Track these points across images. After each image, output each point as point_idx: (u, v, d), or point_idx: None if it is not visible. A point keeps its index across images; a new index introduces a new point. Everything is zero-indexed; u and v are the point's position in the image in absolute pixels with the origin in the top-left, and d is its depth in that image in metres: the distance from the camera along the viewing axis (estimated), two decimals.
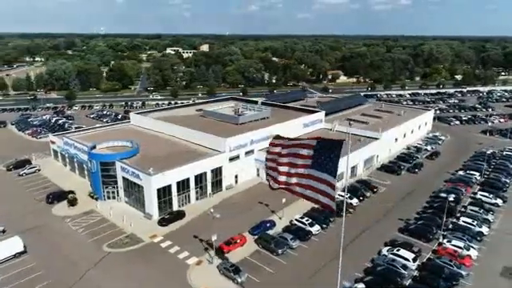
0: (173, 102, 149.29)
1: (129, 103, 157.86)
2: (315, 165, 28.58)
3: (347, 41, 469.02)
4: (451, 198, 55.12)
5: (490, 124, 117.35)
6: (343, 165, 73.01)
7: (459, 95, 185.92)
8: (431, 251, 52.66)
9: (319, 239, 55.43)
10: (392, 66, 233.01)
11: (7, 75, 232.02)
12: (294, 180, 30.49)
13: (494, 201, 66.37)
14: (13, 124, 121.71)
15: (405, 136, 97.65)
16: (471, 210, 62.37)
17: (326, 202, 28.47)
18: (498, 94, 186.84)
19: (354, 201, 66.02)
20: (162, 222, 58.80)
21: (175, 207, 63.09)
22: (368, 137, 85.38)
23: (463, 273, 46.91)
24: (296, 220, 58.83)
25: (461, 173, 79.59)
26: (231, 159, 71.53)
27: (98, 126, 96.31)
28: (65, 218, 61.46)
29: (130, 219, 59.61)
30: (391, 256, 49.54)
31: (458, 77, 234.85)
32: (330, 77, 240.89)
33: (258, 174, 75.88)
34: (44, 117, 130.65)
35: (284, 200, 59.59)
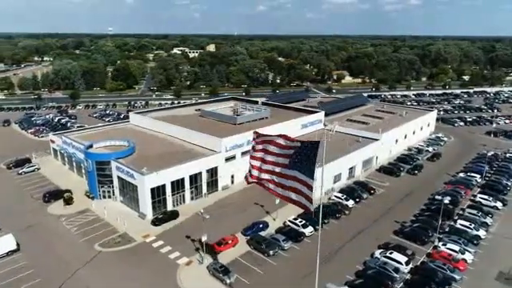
0: (176, 102, 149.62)
1: (132, 103, 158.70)
2: (293, 165, 28.22)
3: (355, 41, 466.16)
4: (446, 200, 54.12)
5: (494, 125, 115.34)
6: (343, 166, 73.38)
7: (465, 96, 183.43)
8: (425, 254, 51.81)
9: (312, 241, 54.83)
10: (398, 67, 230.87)
11: (14, 74, 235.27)
12: (266, 176, 30.42)
13: (493, 204, 65.12)
14: (16, 123, 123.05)
15: (406, 137, 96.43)
16: (469, 213, 61.31)
17: (303, 203, 28.06)
18: (506, 95, 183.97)
19: (350, 202, 65.31)
20: (156, 222, 58.74)
21: (169, 207, 63.01)
22: (367, 138, 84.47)
23: (456, 277, 46.00)
24: (289, 221, 58.36)
25: (461, 175, 78.33)
26: (227, 159, 71.27)
27: (96, 125, 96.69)
28: (60, 216, 61.75)
29: (125, 219, 59.66)
30: (383, 259, 48.83)
31: (466, 77, 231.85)
32: (335, 77, 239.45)
33: None
34: (47, 116, 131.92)
35: (278, 201, 59.01)
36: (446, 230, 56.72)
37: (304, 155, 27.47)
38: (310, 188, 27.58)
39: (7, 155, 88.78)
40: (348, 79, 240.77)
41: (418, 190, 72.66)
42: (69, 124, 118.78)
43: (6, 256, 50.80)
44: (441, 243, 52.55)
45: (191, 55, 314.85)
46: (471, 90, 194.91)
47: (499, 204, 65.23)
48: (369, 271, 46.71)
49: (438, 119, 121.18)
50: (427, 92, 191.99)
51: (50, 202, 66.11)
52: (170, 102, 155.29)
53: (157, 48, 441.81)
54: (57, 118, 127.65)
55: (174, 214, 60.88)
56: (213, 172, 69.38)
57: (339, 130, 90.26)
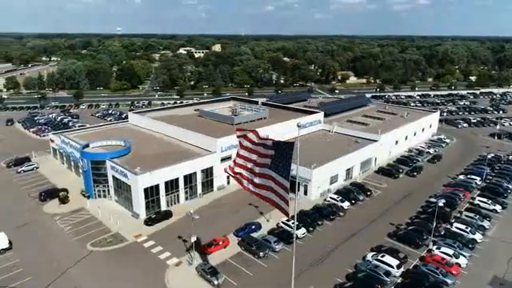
0: (178, 102, 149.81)
1: (134, 103, 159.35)
2: (272, 166, 27.80)
3: (363, 41, 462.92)
4: (441, 203, 53.11)
5: (498, 127, 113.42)
6: (341, 167, 72.51)
7: (471, 97, 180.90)
8: (419, 258, 50.96)
9: (304, 243, 54.29)
10: (403, 67, 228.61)
11: (21, 74, 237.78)
12: (240, 170, 30.18)
13: (492, 207, 63.91)
14: (19, 122, 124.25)
15: (406, 138, 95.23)
16: (466, 216, 60.24)
17: (281, 205, 27.63)
18: None
19: (346, 204, 64.59)
20: (148, 222, 58.71)
21: (163, 207, 62.93)
22: (366, 139, 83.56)
23: (449, 281, 45.12)
24: (282, 223, 57.86)
25: (461, 177, 77.09)
26: (223, 159, 70.95)
27: (95, 125, 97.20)
28: (54, 215, 62.09)
29: (118, 218, 59.72)
30: (375, 262, 48.11)
31: (473, 78, 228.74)
32: (339, 77, 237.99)
33: None
34: (50, 115, 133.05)
35: None
36: (442, 233, 55.76)
37: (279, 156, 27.04)
38: (286, 190, 27.12)
39: (8, 154, 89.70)
40: (353, 79, 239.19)
41: (416, 192, 71.61)
42: (70, 123, 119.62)
43: None
44: (435, 247, 51.68)
45: (197, 55, 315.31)
46: (477, 91, 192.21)
47: (498, 207, 63.98)
48: (359, 274, 46.06)
49: (441, 120, 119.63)
50: (432, 93, 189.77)
51: (46, 201, 66.51)
52: (172, 101, 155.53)
53: (163, 48, 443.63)
54: (59, 118, 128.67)
55: (168, 214, 60.77)
56: (208, 172, 69.19)
57: (338, 130, 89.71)
